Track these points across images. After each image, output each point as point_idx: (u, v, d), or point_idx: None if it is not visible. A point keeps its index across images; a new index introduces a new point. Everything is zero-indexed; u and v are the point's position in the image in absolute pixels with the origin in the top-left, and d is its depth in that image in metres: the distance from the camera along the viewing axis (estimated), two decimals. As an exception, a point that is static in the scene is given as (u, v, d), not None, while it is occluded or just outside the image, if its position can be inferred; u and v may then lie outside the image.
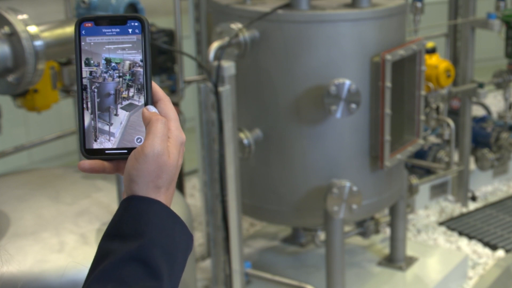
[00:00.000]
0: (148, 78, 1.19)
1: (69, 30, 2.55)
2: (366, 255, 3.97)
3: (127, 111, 1.19)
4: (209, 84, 3.03)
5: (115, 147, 1.20)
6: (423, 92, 3.46)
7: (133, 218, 1.13)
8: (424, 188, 4.66)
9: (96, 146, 1.20)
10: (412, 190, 4.07)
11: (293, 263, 3.90)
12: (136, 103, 1.20)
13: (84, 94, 1.19)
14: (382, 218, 3.82)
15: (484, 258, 4.16)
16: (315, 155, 3.28)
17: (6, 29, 2.31)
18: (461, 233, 4.42)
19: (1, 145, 3.71)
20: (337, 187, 3.22)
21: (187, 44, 3.87)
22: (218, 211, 3.18)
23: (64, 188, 2.75)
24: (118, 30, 1.19)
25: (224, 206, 3.16)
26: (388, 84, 3.19)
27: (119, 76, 1.19)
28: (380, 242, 4.08)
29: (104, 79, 1.19)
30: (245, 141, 3.29)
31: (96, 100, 1.19)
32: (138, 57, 1.19)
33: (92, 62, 1.19)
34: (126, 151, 1.19)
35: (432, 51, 4.20)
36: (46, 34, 2.44)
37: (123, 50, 1.19)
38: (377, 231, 3.82)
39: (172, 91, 3.89)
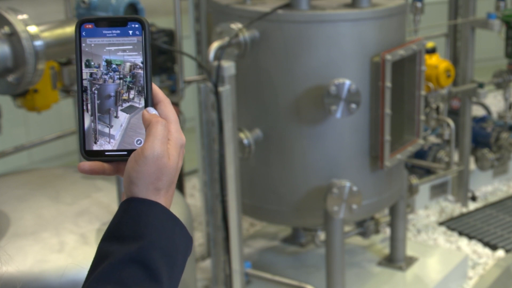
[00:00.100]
0: (148, 80, 1.19)
1: (69, 30, 2.55)
2: (366, 255, 3.97)
3: (127, 113, 1.19)
4: (209, 84, 3.03)
5: (115, 149, 1.20)
6: (423, 92, 3.46)
7: (133, 220, 1.13)
8: (424, 188, 4.66)
9: (96, 148, 1.20)
10: (412, 190, 4.07)
11: (293, 263, 3.90)
12: (137, 105, 1.19)
13: (84, 95, 1.19)
14: (382, 218, 3.82)
15: (484, 258, 4.16)
16: (315, 155, 3.28)
17: (6, 29, 2.31)
18: (461, 233, 4.42)
19: (1, 145, 3.71)
20: (337, 187, 3.21)
21: (187, 44, 3.87)
22: (218, 211, 3.18)
23: (64, 188, 2.75)
24: (118, 31, 1.18)
25: (224, 206, 3.16)
26: (388, 84, 3.19)
27: (120, 78, 1.19)
28: (380, 242, 4.08)
29: (105, 81, 1.19)
30: (245, 141, 3.29)
31: (96, 102, 1.19)
32: (138, 59, 1.19)
33: (92, 63, 1.18)
34: (126, 153, 1.19)
35: (432, 51, 4.20)
36: (46, 34, 2.44)
37: (124, 52, 1.18)
38: (377, 231, 3.82)
39: (172, 91, 3.88)
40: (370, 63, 3.22)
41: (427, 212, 4.69)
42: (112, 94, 1.19)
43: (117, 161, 1.20)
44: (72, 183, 2.80)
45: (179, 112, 3.84)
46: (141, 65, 1.19)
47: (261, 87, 3.29)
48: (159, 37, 3.85)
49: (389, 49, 3.22)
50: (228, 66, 3.00)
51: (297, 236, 4.08)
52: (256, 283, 3.61)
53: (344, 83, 3.10)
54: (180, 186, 4.32)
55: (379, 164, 3.31)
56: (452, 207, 4.77)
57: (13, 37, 2.32)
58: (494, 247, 4.27)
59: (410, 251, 3.93)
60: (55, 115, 4.65)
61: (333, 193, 3.22)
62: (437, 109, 4.47)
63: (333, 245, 3.34)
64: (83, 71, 1.19)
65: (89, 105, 1.19)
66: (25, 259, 2.35)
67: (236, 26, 3.18)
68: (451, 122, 4.46)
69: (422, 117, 3.50)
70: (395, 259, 3.84)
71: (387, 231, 4.01)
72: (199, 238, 4.24)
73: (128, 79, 1.19)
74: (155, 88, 1.21)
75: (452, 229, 4.47)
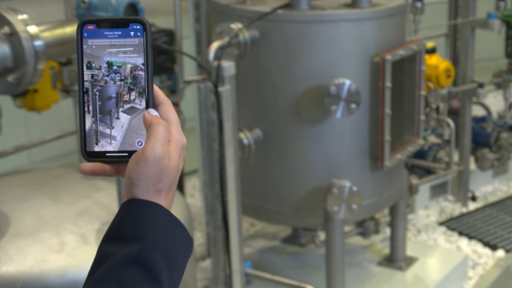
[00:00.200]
0: (149, 81, 1.19)
1: (69, 30, 2.55)
2: (366, 255, 3.97)
3: (128, 114, 1.19)
4: (209, 84, 3.03)
5: (116, 150, 1.20)
6: (423, 92, 3.46)
7: (134, 221, 1.13)
8: (424, 188, 4.66)
9: (97, 149, 1.20)
10: (412, 190, 4.07)
11: (293, 263, 3.90)
12: (138, 106, 1.19)
13: (86, 97, 1.19)
14: (382, 218, 3.82)
15: (484, 258, 4.16)
16: (315, 155, 3.28)
17: (6, 29, 2.31)
18: (461, 233, 4.42)
19: (1, 145, 3.71)
20: (337, 187, 3.21)
21: (187, 44, 3.87)
22: (218, 211, 3.18)
23: (64, 188, 2.75)
24: (120, 32, 1.18)
25: (224, 206, 3.16)
26: (388, 84, 3.19)
27: (121, 80, 1.19)
28: (380, 242, 4.08)
29: (106, 82, 1.19)
30: (245, 141, 3.29)
31: (98, 103, 1.19)
32: (139, 60, 1.19)
33: (93, 65, 1.18)
34: (127, 154, 1.19)
35: (432, 51, 4.20)
36: (46, 34, 2.45)
37: (125, 54, 1.18)
38: (377, 231, 3.82)
39: (172, 91, 3.89)
40: (370, 63, 3.22)
41: (427, 212, 4.69)
42: (113, 95, 1.19)
43: (118, 162, 1.20)
44: (72, 183, 2.80)
45: (179, 112, 3.83)
46: (142, 66, 1.19)
47: (261, 87, 3.29)
48: (159, 37, 3.85)
49: (389, 49, 3.22)
50: (228, 66, 3.00)
51: (297, 236, 4.08)
52: (256, 283, 3.61)
53: (344, 83, 3.10)
54: (180, 186, 4.32)
55: (379, 164, 3.31)
56: (452, 207, 4.77)
57: (13, 37, 2.32)
58: (494, 247, 4.27)
59: (410, 251, 3.93)
60: (55, 115, 4.65)
61: (333, 193, 3.22)
62: (437, 109, 4.47)
63: (333, 245, 3.34)
64: (85, 72, 1.19)
65: (90, 107, 1.19)
66: (25, 259, 2.35)
67: (236, 26, 3.18)
68: (451, 122, 4.46)
69: (422, 117, 3.50)
70: (395, 259, 3.84)
71: (387, 231, 4.01)
72: (199, 238, 4.24)
73: (129, 80, 1.19)
74: (156, 89, 1.21)
75: (452, 229, 4.47)
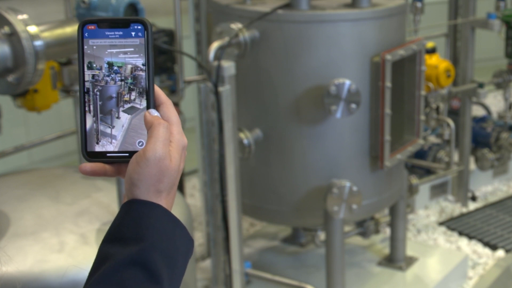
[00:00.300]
0: (150, 82, 1.19)
1: (69, 30, 2.55)
2: (366, 255, 3.97)
3: (128, 114, 1.19)
4: (209, 84, 3.03)
5: (116, 150, 1.20)
6: (423, 92, 3.46)
7: (134, 221, 1.13)
8: (424, 188, 4.66)
9: (98, 149, 1.20)
10: (412, 190, 4.07)
11: (293, 263, 3.90)
12: (138, 106, 1.20)
13: (87, 97, 1.19)
14: (382, 218, 3.82)
15: (484, 258, 4.16)
16: (315, 155, 3.28)
17: (6, 29, 2.31)
18: (461, 233, 4.42)
19: (1, 145, 3.71)
20: (337, 187, 3.21)
21: (187, 44, 3.87)
22: (218, 211, 3.18)
23: (64, 188, 2.75)
24: (121, 33, 1.18)
25: (224, 206, 3.16)
26: (388, 84, 3.19)
27: (121, 80, 1.19)
28: (380, 242, 4.08)
29: (106, 82, 1.19)
30: (245, 141, 3.29)
31: (98, 103, 1.19)
32: (140, 60, 1.19)
33: (94, 65, 1.19)
34: (127, 154, 1.19)
35: (432, 51, 4.20)
36: (46, 34, 2.45)
37: (125, 54, 1.19)
38: (377, 231, 3.82)
39: (172, 91, 3.88)
40: (370, 63, 3.22)
41: (427, 212, 4.69)
42: (114, 95, 1.19)
43: (119, 162, 1.20)
44: (72, 183, 2.80)
45: (179, 112, 3.83)
46: (142, 67, 1.19)
47: (261, 87, 3.29)
48: (159, 37, 3.85)
49: (389, 49, 3.22)
50: (228, 66, 3.00)
51: (297, 236, 4.08)
52: (256, 283, 3.61)
53: (344, 83, 3.10)
54: (180, 186, 4.32)
55: (379, 164, 3.31)
56: (452, 207, 4.77)
57: (13, 37, 2.32)
58: (494, 247, 4.27)
59: (410, 251, 3.93)
60: (55, 115, 4.65)
61: (333, 193, 3.22)
62: (437, 109, 4.47)
63: (333, 245, 3.34)
64: (85, 73, 1.19)
65: (91, 106, 1.19)
66: (25, 259, 2.35)
67: (236, 26, 3.18)
68: (451, 122, 4.46)
69: (422, 117, 3.50)
70: (395, 259, 3.84)
71: (387, 231, 4.01)
72: (199, 238, 4.24)
73: (129, 80, 1.19)
74: (157, 89, 1.21)
75: (452, 229, 4.47)
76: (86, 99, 1.19)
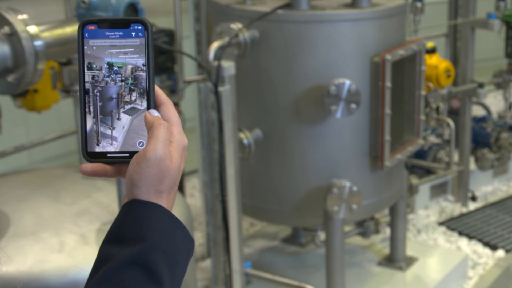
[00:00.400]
0: (151, 82, 1.19)
1: (69, 30, 2.55)
2: (366, 255, 3.97)
3: (129, 115, 1.19)
4: (209, 84, 3.03)
5: (117, 151, 1.19)
6: (423, 92, 3.46)
7: (135, 222, 1.13)
8: (424, 188, 4.66)
9: (98, 149, 1.20)
10: (412, 190, 4.07)
11: (293, 263, 3.90)
12: (139, 107, 1.19)
13: (87, 98, 1.19)
14: (382, 218, 3.82)
15: (484, 258, 4.16)
16: (315, 155, 3.28)
17: (6, 29, 2.31)
18: (461, 233, 4.42)
19: (1, 145, 3.71)
20: (337, 187, 3.21)
21: (187, 44, 3.87)
22: (218, 211, 3.18)
23: (64, 188, 2.75)
24: (121, 33, 1.18)
25: (224, 206, 3.16)
26: (388, 84, 3.19)
27: (122, 80, 1.19)
28: (380, 242, 4.08)
29: (107, 83, 1.19)
30: (245, 141, 3.29)
31: (99, 104, 1.19)
32: (140, 61, 1.19)
33: (94, 66, 1.18)
34: (128, 154, 1.19)
35: (432, 51, 4.20)
36: (46, 34, 2.45)
37: (126, 54, 1.18)
38: (377, 231, 3.82)
39: (172, 91, 3.88)
40: (370, 63, 3.22)
41: (427, 212, 4.69)
42: (114, 96, 1.19)
43: (119, 163, 1.20)
44: (72, 183, 2.80)
45: (179, 112, 3.83)
46: (142, 67, 1.19)
47: (261, 87, 3.29)
48: (159, 37, 3.85)
49: (389, 49, 3.22)
50: (228, 66, 3.00)
51: (297, 236, 4.08)
52: (256, 283, 3.61)
53: (344, 83, 3.10)
54: (180, 186, 4.32)
55: (379, 164, 3.31)
56: (452, 207, 4.77)
57: (13, 37, 2.32)
58: (494, 247, 4.27)
59: (410, 251, 3.93)
60: (55, 115, 4.65)
61: (333, 193, 3.22)
62: (437, 109, 4.47)
63: (333, 245, 3.34)
64: (85, 73, 1.19)
65: (91, 107, 1.19)
66: (25, 259, 2.35)
67: (236, 26, 3.18)
68: (451, 122, 4.46)
69: (422, 117, 3.50)
70: (395, 259, 3.84)
71: (387, 231, 4.01)
72: (199, 238, 4.24)
73: (130, 81, 1.19)
74: (158, 90, 1.20)
75: (452, 229, 4.47)
76: (86, 100, 1.19)
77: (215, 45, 3.10)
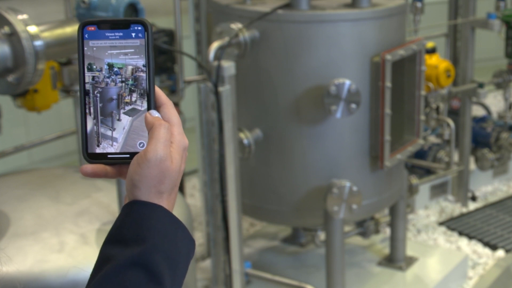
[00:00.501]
0: (151, 83, 1.19)
1: (69, 30, 2.55)
2: (366, 255, 3.97)
3: (130, 116, 1.19)
4: (209, 84, 3.03)
5: (117, 151, 1.19)
6: (423, 92, 3.46)
7: (135, 223, 1.13)
8: (424, 188, 4.66)
9: (98, 150, 1.19)
10: (412, 190, 4.06)
11: (293, 263, 3.90)
12: (139, 108, 1.19)
13: (87, 99, 1.19)
14: (382, 218, 3.82)
15: (484, 258, 4.16)
16: (315, 155, 3.28)
17: (6, 29, 2.31)
18: (461, 233, 4.42)
19: (1, 145, 3.71)
20: (337, 187, 3.21)
21: (187, 44, 3.87)
22: (218, 211, 3.18)
23: (64, 188, 2.75)
24: (121, 34, 1.18)
25: (224, 206, 3.16)
26: (388, 84, 3.19)
27: (122, 81, 1.18)
28: (380, 242, 4.08)
29: (107, 84, 1.18)
30: (245, 141, 3.29)
31: (99, 105, 1.19)
32: (140, 62, 1.18)
33: (94, 67, 1.18)
34: (128, 155, 1.18)
35: (432, 51, 4.20)
36: (46, 34, 2.44)
37: (126, 55, 1.18)
38: (377, 231, 3.82)
39: (172, 91, 3.88)
40: (370, 63, 3.22)
41: (427, 212, 4.69)
42: (114, 97, 1.19)
43: (120, 163, 1.20)
44: (72, 183, 2.80)
45: (179, 112, 3.83)
46: (143, 68, 1.19)
47: (261, 87, 3.29)
48: (159, 37, 3.85)
49: (389, 49, 3.22)
50: (228, 66, 3.00)
51: (297, 236, 4.08)
52: (256, 283, 3.61)
53: (344, 83, 3.10)
54: (180, 186, 4.31)
55: (379, 164, 3.31)
56: (452, 207, 4.77)
57: (13, 37, 2.32)
58: (494, 247, 4.27)
59: (410, 251, 3.93)
60: (55, 115, 4.65)
61: (333, 193, 3.22)
62: (437, 109, 4.47)
63: (333, 245, 3.34)
64: (86, 74, 1.18)
65: (91, 108, 1.19)
66: (25, 259, 2.35)
67: (236, 26, 3.18)
68: (451, 122, 4.46)
69: (422, 117, 3.50)
70: (395, 259, 3.84)
71: (387, 231, 4.01)
72: (199, 238, 4.24)
73: (130, 82, 1.19)
74: (158, 90, 1.20)
75: (452, 229, 4.47)
76: (86, 101, 1.19)
77: (215, 45, 3.10)
